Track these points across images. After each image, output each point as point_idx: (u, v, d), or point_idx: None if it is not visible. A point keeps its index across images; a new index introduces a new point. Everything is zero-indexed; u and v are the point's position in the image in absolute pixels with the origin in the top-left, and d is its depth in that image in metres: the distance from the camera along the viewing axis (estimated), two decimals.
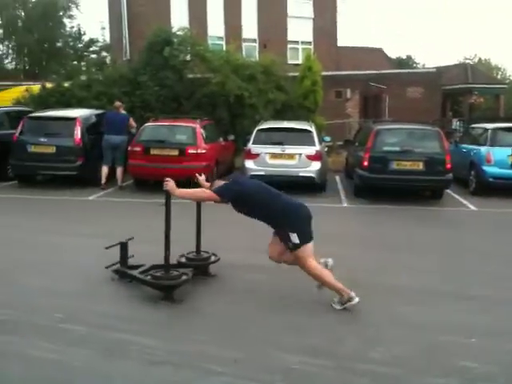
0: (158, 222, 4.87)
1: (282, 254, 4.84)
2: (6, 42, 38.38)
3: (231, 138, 13.37)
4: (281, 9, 23.81)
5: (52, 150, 10.71)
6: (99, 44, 38.37)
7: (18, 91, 16.00)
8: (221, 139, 12.63)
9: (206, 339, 4.01)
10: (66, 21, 39.02)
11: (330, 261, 4.85)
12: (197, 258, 5.37)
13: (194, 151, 10.58)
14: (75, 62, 35.38)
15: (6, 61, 38.56)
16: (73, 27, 39.51)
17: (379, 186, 10.18)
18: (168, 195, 4.60)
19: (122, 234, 5.48)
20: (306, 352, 3.80)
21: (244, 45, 22.35)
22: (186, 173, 10.52)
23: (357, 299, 4.53)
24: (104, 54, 37.97)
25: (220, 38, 23.04)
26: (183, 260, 5.30)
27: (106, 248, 5.21)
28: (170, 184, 4.61)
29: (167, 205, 4.59)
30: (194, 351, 3.80)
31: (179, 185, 4.72)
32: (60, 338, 3.99)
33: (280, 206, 4.66)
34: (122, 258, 5.24)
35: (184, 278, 4.79)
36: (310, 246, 4.62)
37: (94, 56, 37.11)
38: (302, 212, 4.68)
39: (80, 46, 39.74)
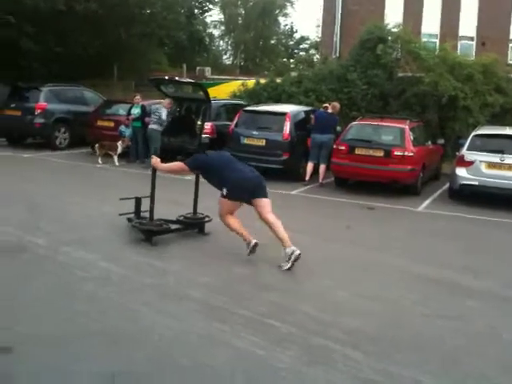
0: (359, 224, 4.65)
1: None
2: (226, 39, 41.70)
3: (440, 141, 12.51)
4: (504, 5, 21.61)
5: (262, 143, 11.19)
6: (309, 42, 39.45)
7: (234, 85, 17.11)
8: (429, 142, 11.90)
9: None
10: (280, 19, 40.95)
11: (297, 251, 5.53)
12: (191, 217, 6.72)
13: (401, 153, 10.10)
14: (285, 60, 37.01)
15: (225, 57, 41.94)
16: (286, 25, 41.30)
17: None
18: (154, 169, 6.14)
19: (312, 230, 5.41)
20: None
21: (460, 43, 20.88)
22: (390, 176, 10.22)
23: (254, 241, 5.69)
24: (312, 51, 38.96)
25: (433, 36, 21.86)
26: (181, 218, 6.68)
27: (121, 199, 6.63)
28: (154, 160, 6.14)
29: (153, 175, 6.15)
30: None
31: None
32: (265, 334, 4.04)
33: (227, 176, 5.77)
34: (136, 210, 6.56)
35: (164, 227, 6.23)
36: (232, 203, 5.80)
37: (303, 54, 38.32)
38: (243, 182, 5.78)
39: (291, 43, 41.33)
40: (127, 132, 12.41)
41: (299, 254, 5.55)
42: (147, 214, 6.29)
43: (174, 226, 6.49)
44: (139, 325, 4.09)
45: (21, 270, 5.14)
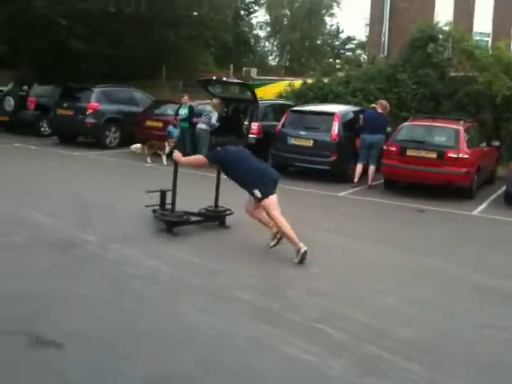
0: (409, 227, 4.46)
1: (254, 209, 6.00)
2: (272, 40, 41.66)
3: (495, 143, 12.01)
4: None
5: (309, 143, 11.03)
6: (355, 42, 38.96)
7: (281, 85, 17.02)
8: (484, 144, 11.44)
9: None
10: (326, 19, 40.59)
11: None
12: (213, 210, 6.90)
13: (455, 155, 9.73)
14: (331, 60, 36.67)
15: (270, 57, 41.90)
16: (332, 25, 40.91)
17: None
18: (175, 163, 6.27)
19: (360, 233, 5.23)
20: None
21: None
22: (444, 178, 9.87)
23: (304, 248, 5.53)
24: (359, 51, 38.46)
25: (485, 35, 21.12)
26: (203, 211, 6.88)
27: (147, 192, 6.87)
28: (176, 154, 6.31)
29: (175, 169, 6.31)
30: None
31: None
32: (315, 340, 3.91)
33: (248, 170, 5.80)
34: (162, 202, 6.69)
35: (184, 218, 6.44)
36: (272, 198, 5.72)
37: (349, 54, 37.88)
38: (266, 175, 5.84)
39: (337, 43, 40.91)
40: (175, 132, 12.50)
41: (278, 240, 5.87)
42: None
43: (194, 218, 6.73)
44: (186, 326, 4.05)
45: (71, 266, 5.19)
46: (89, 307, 4.25)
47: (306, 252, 5.54)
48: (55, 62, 18.45)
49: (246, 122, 12.10)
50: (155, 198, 6.82)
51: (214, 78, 14.94)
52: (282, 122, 11.62)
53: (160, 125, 13.24)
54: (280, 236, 5.81)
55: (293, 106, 12.70)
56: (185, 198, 6.63)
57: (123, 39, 17.96)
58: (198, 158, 6.53)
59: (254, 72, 26.45)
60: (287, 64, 40.65)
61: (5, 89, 17.05)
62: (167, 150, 11.83)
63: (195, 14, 20.70)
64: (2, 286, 4.49)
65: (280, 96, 15.98)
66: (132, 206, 7.60)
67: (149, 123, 13.58)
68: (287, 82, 17.07)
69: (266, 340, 3.87)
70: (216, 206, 6.99)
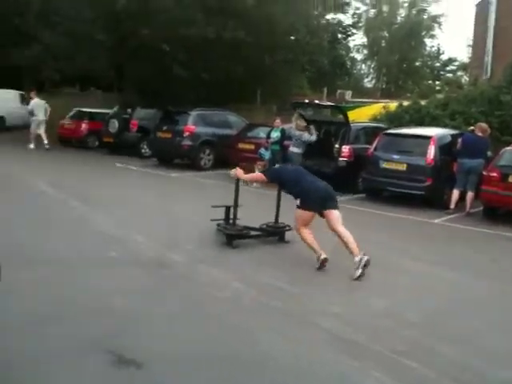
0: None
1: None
2: (369, 62, 41.24)
3: None
4: None
5: (403, 167, 10.67)
6: (457, 63, 37.55)
7: (375, 108, 16.73)
8: None
9: None
10: (426, 40, 39.53)
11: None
12: (272, 226, 7.27)
13: None
14: (430, 82, 35.55)
15: (366, 80, 41.45)
16: (432, 46, 39.76)
17: None
18: (237, 179, 6.76)
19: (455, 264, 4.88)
20: None
21: None
22: None
23: (324, 256, 5.94)
24: (460, 73, 36.99)
25: None
26: (264, 226, 7.26)
27: (212, 206, 7.24)
28: (239, 171, 6.73)
29: (237, 185, 6.77)
30: None
31: None
32: (399, 375, 3.70)
33: (301, 187, 6.20)
34: (226, 216, 7.15)
35: (244, 232, 6.91)
36: (305, 213, 6.11)
37: (450, 75, 36.55)
38: (314, 192, 6.12)
39: (437, 65, 39.64)
40: (266, 155, 12.65)
41: (368, 260, 5.73)
42: (243, 222, 7.05)
43: (254, 233, 7.14)
44: (266, 351, 3.99)
45: (158, 285, 5.34)
46: (172, 328, 4.32)
47: (325, 259, 5.95)
48: (157, 87, 19.45)
49: (336, 145, 11.98)
50: (252, 219, 7.11)
51: (307, 101, 15.01)
52: (374, 145, 11.37)
53: (252, 147, 13.47)
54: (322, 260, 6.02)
55: (386, 129, 12.41)
56: (253, 214, 7.33)
57: (220, 64, 18.58)
58: (258, 175, 7.24)
59: (348, 94, 26.28)
60: (384, 86, 39.98)
61: (110, 111, 18.27)
62: (257, 172, 11.99)
63: (292, 38, 20.97)
64: (93, 301, 4.70)
65: (374, 119, 15.70)
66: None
67: (241, 146, 13.88)
68: (382, 105, 16.76)
69: (347, 371, 3.72)
70: (276, 221, 7.32)
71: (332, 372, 3.71)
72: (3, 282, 3.56)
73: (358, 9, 37.85)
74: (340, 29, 36.14)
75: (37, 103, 17.51)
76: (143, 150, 16.85)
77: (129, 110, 17.79)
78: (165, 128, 15.27)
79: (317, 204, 6.08)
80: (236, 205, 6.79)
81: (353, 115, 14.43)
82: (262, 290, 5.31)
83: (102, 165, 15.38)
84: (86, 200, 9.23)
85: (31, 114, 17.40)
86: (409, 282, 5.79)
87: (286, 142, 12.55)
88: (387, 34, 39.61)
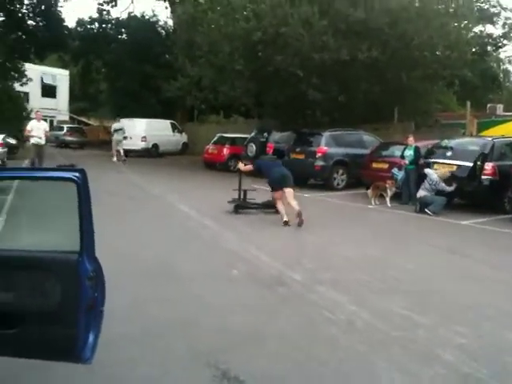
0: None
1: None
2: None
3: None
4: None
5: None
6: None
7: None
8: None
9: None
10: None
11: None
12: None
13: None
14: None
15: None
16: None
17: None
18: (240, 171, 10.36)
19: None
20: None
21: None
22: None
23: (285, 218, 9.09)
24: None
25: None
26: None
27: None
28: (240, 164, 10.51)
29: (239, 176, 10.38)
30: None
31: None
32: None
33: (272, 176, 9.39)
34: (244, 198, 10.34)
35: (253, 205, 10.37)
36: (275, 193, 9.41)
37: None
38: (276, 177, 9.34)
39: None
40: (399, 175, 12.17)
41: (299, 210, 8.90)
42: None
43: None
44: (378, 381, 3.74)
45: (274, 304, 5.32)
46: (279, 347, 4.24)
47: (286, 222, 9.05)
48: (294, 112, 19.79)
49: (478, 162, 11.07)
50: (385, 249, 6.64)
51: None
52: None
53: (385, 166, 13.06)
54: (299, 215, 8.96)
55: None
56: None
57: (355, 85, 18.34)
58: (249, 166, 10.36)
59: (499, 108, 24.35)
60: None
61: (248, 136, 18.99)
62: (389, 192, 11.57)
63: (428, 53, 20.03)
64: (210, 316, 4.82)
65: None
66: (344, 249, 7.56)
67: (375, 165, 13.53)
68: None
69: None
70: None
71: None
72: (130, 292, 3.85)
73: (508, 19, 35.00)
74: (490, 40, 33.69)
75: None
76: None
77: (265, 134, 18.35)
78: (298, 149, 15.45)
79: (277, 184, 9.22)
80: (240, 189, 10.31)
81: (501, 130, 13.31)
82: (380, 316, 5.01)
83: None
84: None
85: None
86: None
87: (421, 161, 11.94)
88: None
